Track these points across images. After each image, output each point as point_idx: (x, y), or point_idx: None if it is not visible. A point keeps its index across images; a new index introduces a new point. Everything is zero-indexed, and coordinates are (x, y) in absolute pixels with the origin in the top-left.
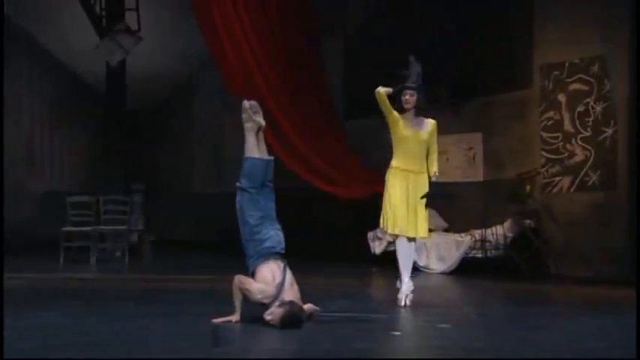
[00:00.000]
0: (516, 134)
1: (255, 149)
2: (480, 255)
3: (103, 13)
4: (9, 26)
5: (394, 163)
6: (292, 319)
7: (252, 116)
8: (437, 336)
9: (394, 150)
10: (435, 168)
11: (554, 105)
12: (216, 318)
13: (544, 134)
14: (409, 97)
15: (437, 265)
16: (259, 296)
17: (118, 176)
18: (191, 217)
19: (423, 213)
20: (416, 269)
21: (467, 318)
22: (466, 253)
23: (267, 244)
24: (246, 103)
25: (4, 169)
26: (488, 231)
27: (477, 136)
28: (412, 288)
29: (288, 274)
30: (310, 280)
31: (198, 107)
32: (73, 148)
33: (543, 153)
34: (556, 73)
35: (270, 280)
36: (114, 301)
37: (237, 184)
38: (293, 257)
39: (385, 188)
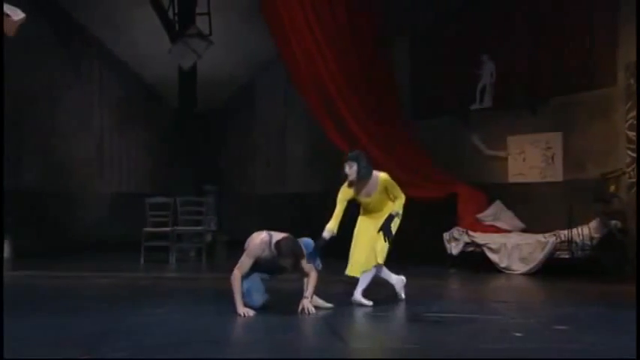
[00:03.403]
0: (599, 133)
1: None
2: (566, 256)
3: (176, 18)
4: (81, 31)
5: (360, 215)
6: (291, 248)
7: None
8: (560, 338)
9: None
10: (395, 207)
11: None
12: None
13: (630, 133)
14: (348, 170)
15: (519, 266)
16: (258, 250)
17: (188, 177)
18: (255, 218)
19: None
20: (497, 270)
21: (577, 319)
22: (551, 254)
23: None
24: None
25: (73, 170)
26: (574, 231)
27: (557, 136)
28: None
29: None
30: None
31: (260, 109)
32: (139, 150)
33: (629, 152)
34: None
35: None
36: (215, 299)
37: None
38: None
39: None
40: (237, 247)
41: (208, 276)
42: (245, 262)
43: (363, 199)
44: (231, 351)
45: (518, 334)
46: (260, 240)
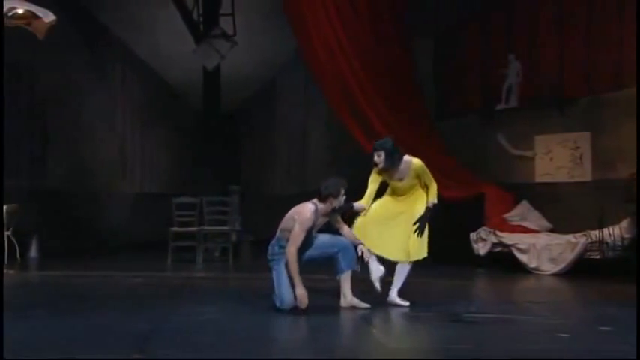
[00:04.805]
0: (628, 133)
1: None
2: (597, 256)
3: (201, 19)
4: (105, 33)
5: (387, 192)
6: (334, 183)
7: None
8: (608, 339)
9: None
10: (430, 198)
11: None
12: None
13: None
14: (377, 159)
15: (548, 267)
16: (310, 222)
17: (210, 177)
18: (276, 218)
19: (399, 236)
20: (525, 271)
21: (618, 320)
22: (581, 255)
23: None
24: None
25: (98, 171)
26: (605, 232)
27: (585, 136)
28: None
29: None
30: (426, 280)
31: (280, 109)
32: (162, 150)
33: None
34: None
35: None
36: (248, 298)
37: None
38: None
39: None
40: (262, 247)
41: (237, 275)
42: (299, 236)
43: (394, 182)
44: (278, 351)
45: (563, 335)
46: (309, 212)
